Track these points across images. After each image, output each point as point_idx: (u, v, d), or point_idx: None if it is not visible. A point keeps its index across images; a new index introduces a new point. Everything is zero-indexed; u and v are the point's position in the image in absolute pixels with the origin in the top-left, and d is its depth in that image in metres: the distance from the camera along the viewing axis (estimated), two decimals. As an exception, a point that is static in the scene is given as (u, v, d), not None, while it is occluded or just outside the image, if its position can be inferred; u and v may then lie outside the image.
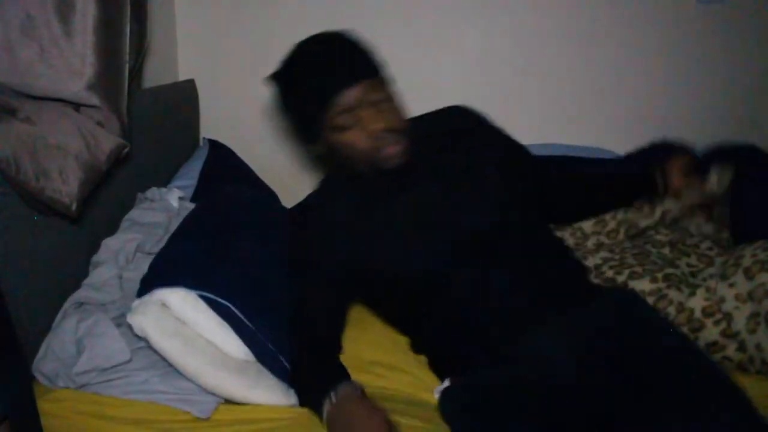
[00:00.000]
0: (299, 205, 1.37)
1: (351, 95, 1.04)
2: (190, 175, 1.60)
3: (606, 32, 1.86)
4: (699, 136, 1.91)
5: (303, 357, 1.07)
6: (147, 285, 1.09)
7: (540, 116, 1.92)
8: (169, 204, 1.41)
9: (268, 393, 1.05)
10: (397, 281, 1.10)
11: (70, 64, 1.04)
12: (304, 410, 1.03)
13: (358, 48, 1.11)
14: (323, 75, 1.06)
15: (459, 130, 1.21)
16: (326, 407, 0.95)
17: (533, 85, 1.91)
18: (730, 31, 1.83)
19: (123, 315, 1.12)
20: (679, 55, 1.86)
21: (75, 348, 1.03)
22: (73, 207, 1.06)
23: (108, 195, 1.29)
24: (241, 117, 1.93)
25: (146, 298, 1.05)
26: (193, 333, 1.05)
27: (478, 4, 1.85)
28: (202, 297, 1.07)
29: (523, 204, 1.17)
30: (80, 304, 1.13)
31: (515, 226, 1.11)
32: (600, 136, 1.92)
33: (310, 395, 1.02)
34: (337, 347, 1.13)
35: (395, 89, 1.13)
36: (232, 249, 1.21)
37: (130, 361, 1.04)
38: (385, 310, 1.22)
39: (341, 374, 1.03)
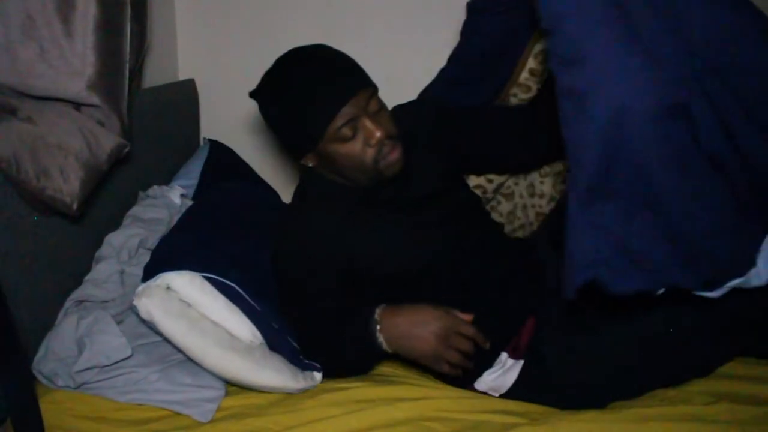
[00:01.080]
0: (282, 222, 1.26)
1: (353, 106, 1.07)
2: (191, 174, 1.60)
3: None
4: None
5: (321, 324, 1.10)
6: (150, 271, 1.09)
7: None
8: (171, 201, 1.41)
9: (276, 375, 1.04)
10: (396, 278, 1.13)
11: (70, 64, 1.04)
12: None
13: (351, 60, 1.14)
14: (327, 89, 1.08)
15: (411, 133, 1.23)
16: (379, 335, 1.01)
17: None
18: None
19: (123, 312, 1.13)
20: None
21: (75, 347, 1.03)
22: (74, 206, 1.06)
23: (109, 195, 1.29)
24: (241, 117, 1.93)
25: (151, 282, 1.05)
26: (198, 315, 1.05)
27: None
28: (207, 279, 1.07)
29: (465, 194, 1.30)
30: (80, 302, 1.13)
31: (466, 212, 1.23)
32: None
33: (345, 345, 1.05)
34: None
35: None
36: (234, 236, 1.21)
37: (131, 356, 1.03)
38: None
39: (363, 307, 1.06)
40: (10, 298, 0.83)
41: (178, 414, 1.00)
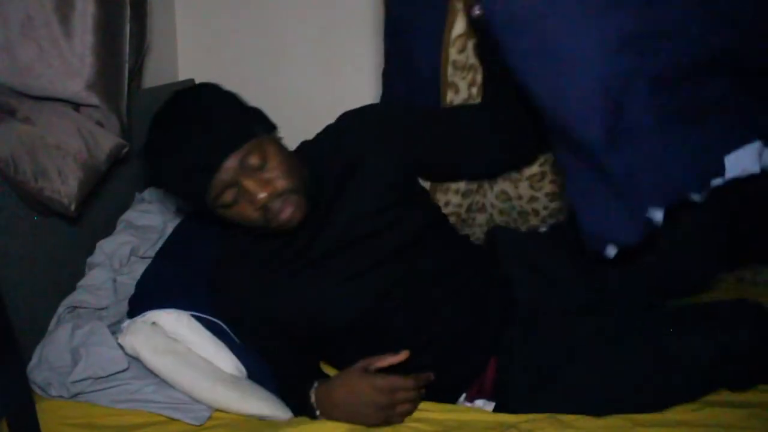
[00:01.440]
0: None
1: (225, 173, 0.94)
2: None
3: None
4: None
5: (283, 380, 1.08)
6: (136, 305, 1.11)
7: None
8: (166, 206, 1.40)
9: (264, 404, 1.03)
10: (319, 331, 1.08)
11: (69, 64, 1.04)
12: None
13: (222, 113, 0.98)
14: (193, 161, 0.95)
15: (351, 154, 1.10)
16: (321, 418, 0.98)
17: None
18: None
19: (118, 322, 1.13)
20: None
21: (70, 357, 1.02)
22: (72, 207, 1.06)
23: (107, 195, 1.29)
24: (241, 117, 1.94)
25: (138, 318, 1.06)
26: (185, 349, 1.05)
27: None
28: (194, 317, 1.08)
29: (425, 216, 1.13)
30: (74, 308, 1.12)
31: (420, 247, 1.08)
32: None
33: (298, 408, 1.03)
34: (311, 363, 1.12)
35: (276, 137, 1.03)
36: None
37: (127, 369, 1.03)
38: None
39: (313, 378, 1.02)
40: (8, 298, 0.83)
41: (171, 420, 1.00)
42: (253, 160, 0.96)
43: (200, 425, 1.00)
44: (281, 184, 0.97)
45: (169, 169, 0.98)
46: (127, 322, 1.07)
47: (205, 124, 0.96)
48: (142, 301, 1.11)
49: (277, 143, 1.02)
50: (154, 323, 1.06)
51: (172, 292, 1.11)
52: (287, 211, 0.98)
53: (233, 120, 0.98)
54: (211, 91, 1.02)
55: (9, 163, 0.97)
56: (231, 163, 0.94)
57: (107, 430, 0.97)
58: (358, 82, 1.89)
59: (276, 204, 0.97)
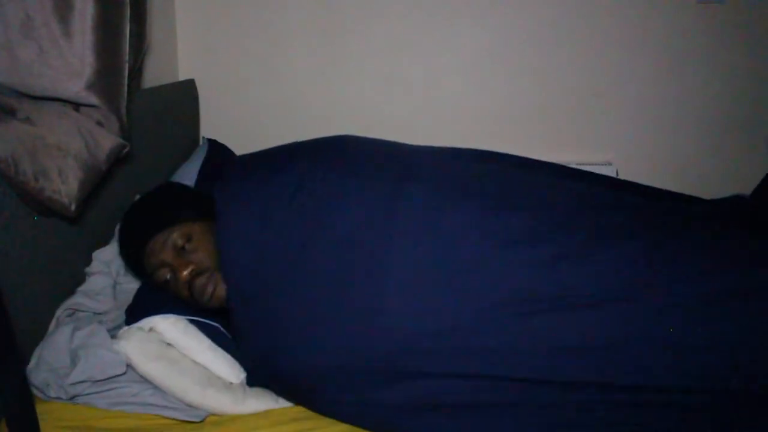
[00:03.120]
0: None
1: (152, 250, 1.06)
2: (188, 175, 1.60)
3: (605, 32, 1.86)
4: (698, 136, 1.91)
5: None
6: (133, 313, 1.11)
7: (537, 117, 1.93)
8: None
9: (257, 402, 1.04)
10: None
11: (69, 64, 1.04)
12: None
13: (156, 204, 1.14)
14: (127, 239, 1.12)
15: None
16: None
17: (531, 87, 1.92)
18: (729, 31, 1.83)
19: (117, 327, 1.12)
20: (679, 54, 1.86)
21: (69, 358, 1.01)
22: (73, 207, 1.05)
23: (108, 195, 1.29)
24: (241, 117, 1.94)
25: (134, 325, 1.06)
26: (178, 355, 1.05)
27: (475, 5, 1.85)
28: (191, 321, 1.08)
29: None
30: (73, 312, 1.12)
31: None
32: (598, 136, 1.92)
33: None
34: None
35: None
36: None
37: (125, 373, 1.02)
38: None
39: None
40: (9, 298, 0.83)
41: (169, 424, 1.00)
42: (178, 241, 1.06)
43: (200, 421, 1.00)
44: (205, 263, 1.05)
45: (122, 253, 1.15)
46: (123, 329, 1.07)
47: (140, 214, 1.13)
48: (139, 309, 1.11)
49: (208, 226, 1.09)
50: (151, 329, 1.06)
51: (169, 299, 1.11)
52: (209, 290, 1.05)
53: (163, 208, 1.12)
54: (160, 189, 1.19)
55: (9, 163, 0.97)
56: (156, 242, 1.06)
57: (106, 432, 0.97)
58: (357, 83, 1.89)
59: (200, 281, 1.05)
